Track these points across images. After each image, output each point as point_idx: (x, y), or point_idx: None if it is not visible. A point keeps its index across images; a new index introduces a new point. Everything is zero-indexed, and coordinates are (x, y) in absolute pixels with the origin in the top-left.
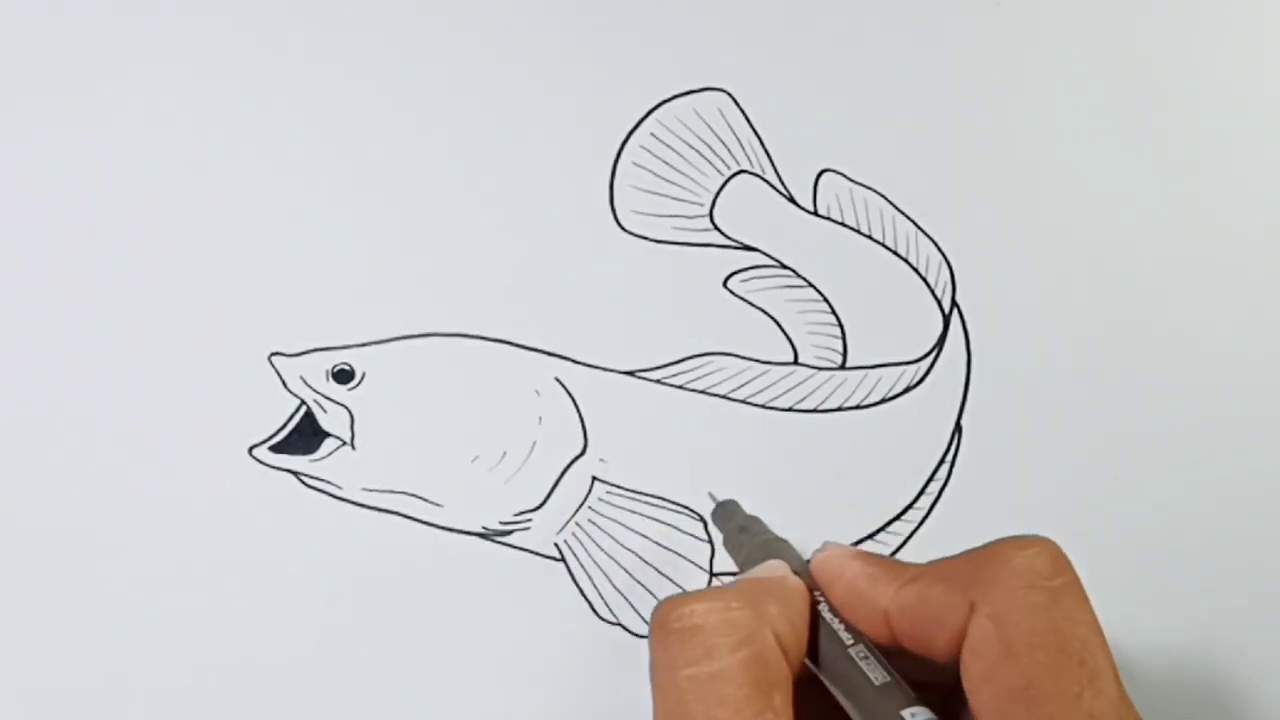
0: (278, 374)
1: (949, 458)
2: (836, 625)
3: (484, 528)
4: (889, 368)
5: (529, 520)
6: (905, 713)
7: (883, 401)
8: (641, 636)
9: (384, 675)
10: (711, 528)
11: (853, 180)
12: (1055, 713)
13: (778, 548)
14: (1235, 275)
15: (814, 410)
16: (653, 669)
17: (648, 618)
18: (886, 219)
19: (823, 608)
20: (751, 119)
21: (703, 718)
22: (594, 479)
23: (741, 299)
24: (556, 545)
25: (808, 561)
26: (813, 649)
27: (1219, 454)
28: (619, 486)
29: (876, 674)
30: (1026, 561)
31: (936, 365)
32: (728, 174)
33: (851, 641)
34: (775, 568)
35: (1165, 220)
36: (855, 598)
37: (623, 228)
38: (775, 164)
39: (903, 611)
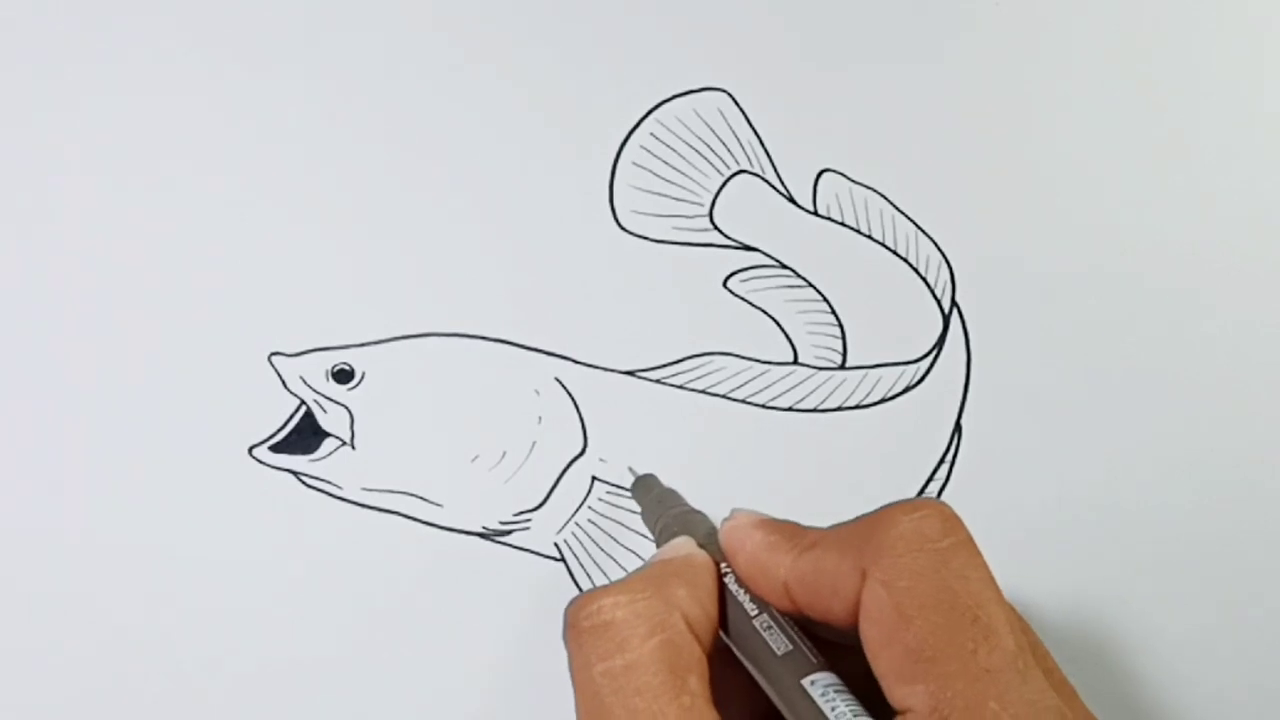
0: (278, 374)
1: (949, 458)
2: (742, 597)
3: (484, 527)
4: (889, 368)
5: (529, 520)
6: (805, 681)
7: (883, 401)
8: None
9: (384, 675)
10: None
11: (853, 180)
12: (951, 671)
13: (690, 521)
14: (1236, 275)
15: (814, 410)
16: (570, 667)
17: None
18: (886, 219)
19: (729, 579)
20: (751, 119)
21: (621, 709)
22: (594, 479)
23: (741, 299)
24: (556, 545)
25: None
26: (723, 621)
27: (1219, 454)
28: (619, 486)
29: (779, 643)
30: (914, 525)
31: (936, 365)
32: (728, 174)
33: (755, 612)
34: (681, 545)
35: (1166, 220)
36: (757, 568)
37: (623, 228)
38: (775, 164)
39: (799, 582)
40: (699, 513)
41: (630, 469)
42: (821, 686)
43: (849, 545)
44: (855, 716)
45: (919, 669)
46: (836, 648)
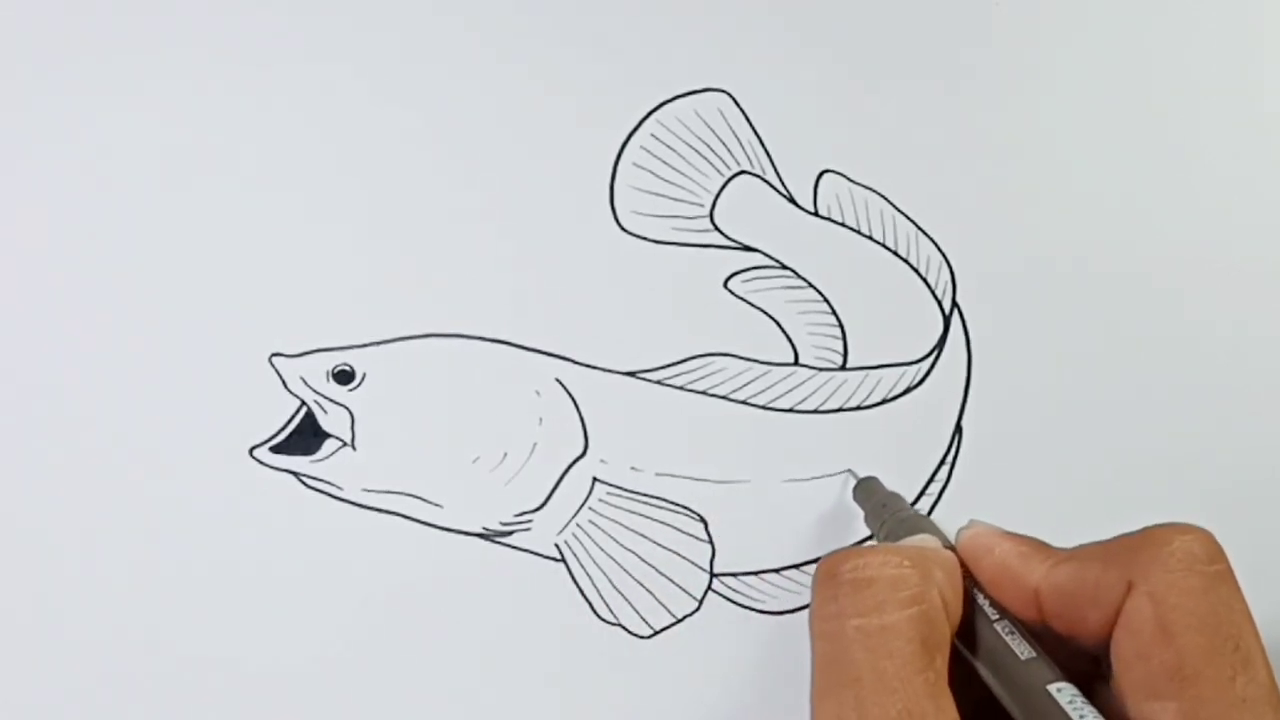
0: (278, 375)
1: (949, 458)
2: (982, 600)
3: (484, 528)
4: (889, 368)
5: (529, 521)
6: (1051, 687)
7: (883, 402)
8: (641, 637)
9: (384, 675)
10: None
11: (853, 181)
12: (1207, 694)
13: (922, 523)
14: (1237, 275)
15: (814, 411)
16: (815, 616)
17: (648, 618)
18: (887, 219)
19: (968, 583)
20: (752, 119)
21: (869, 667)
22: (594, 480)
23: (742, 299)
24: (557, 546)
25: (952, 540)
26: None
27: (1220, 453)
28: (619, 487)
29: (1022, 649)
30: (1185, 546)
31: (937, 366)
32: (728, 174)
33: (997, 616)
34: (923, 539)
35: (1166, 220)
36: (1004, 574)
37: (623, 228)
38: (775, 164)
39: (1055, 589)
40: (928, 518)
41: (851, 471)
42: (1069, 694)
43: (1114, 558)
44: None
45: (1174, 687)
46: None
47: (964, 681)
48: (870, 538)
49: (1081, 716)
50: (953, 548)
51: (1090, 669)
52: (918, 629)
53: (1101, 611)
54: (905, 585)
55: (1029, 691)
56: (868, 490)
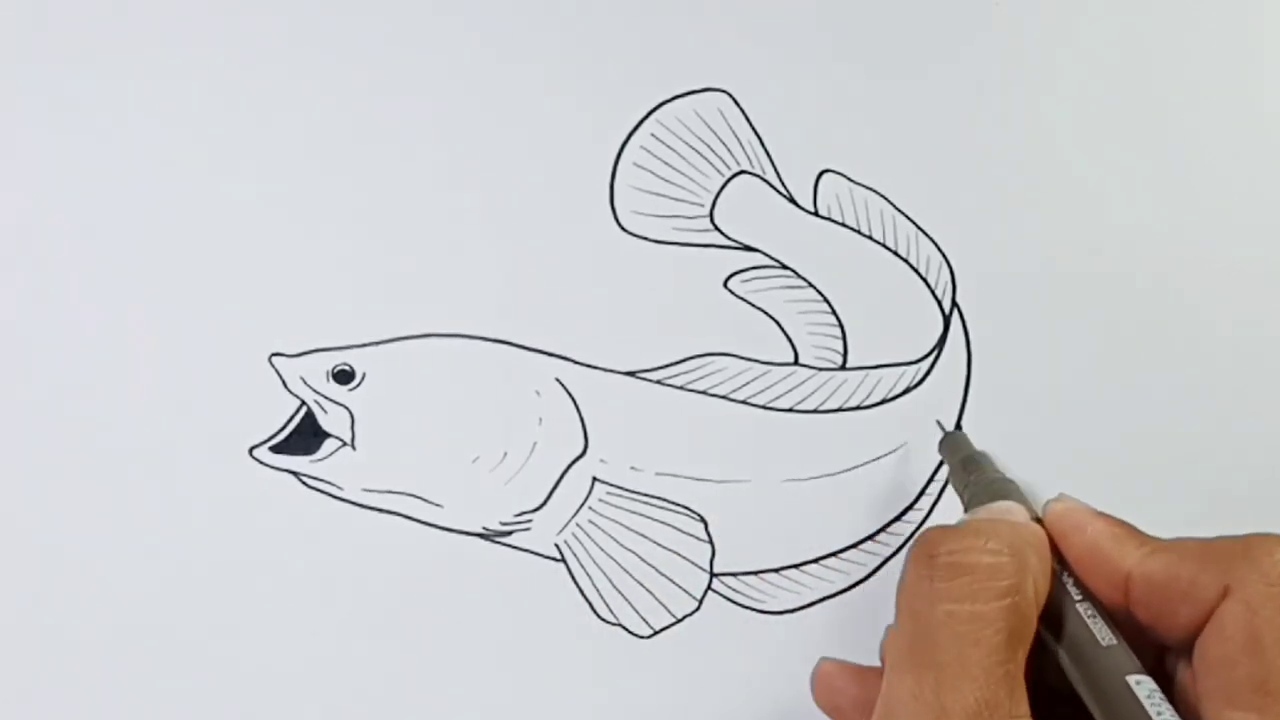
0: (278, 374)
1: None
2: (1066, 579)
3: (484, 528)
4: (889, 368)
5: (529, 521)
6: (1130, 679)
7: (884, 402)
8: (641, 637)
9: (384, 675)
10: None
11: (853, 180)
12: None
13: (1011, 490)
14: (1237, 275)
15: (814, 411)
16: (905, 593)
17: (648, 618)
18: (887, 219)
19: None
20: (752, 119)
21: (954, 653)
22: (594, 479)
23: (742, 299)
24: (557, 546)
25: (1039, 512)
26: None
27: (1220, 453)
28: (619, 487)
29: (1104, 634)
30: None
31: (937, 366)
32: (728, 174)
33: (1080, 597)
34: (1010, 509)
35: (1166, 220)
36: (1095, 555)
37: (623, 228)
38: (775, 164)
39: (1148, 577)
40: (1014, 483)
41: (939, 423)
42: (1148, 689)
43: (1213, 558)
44: None
45: (1257, 699)
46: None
47: (1037, 666)
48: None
49: (1159, 713)
50: (1040, 520)
51: (1159, 664)
52: (1008, 621)
53: (1193, 610)
54: (1002, 575)
55: (1107, 680)
56: (954, 445)
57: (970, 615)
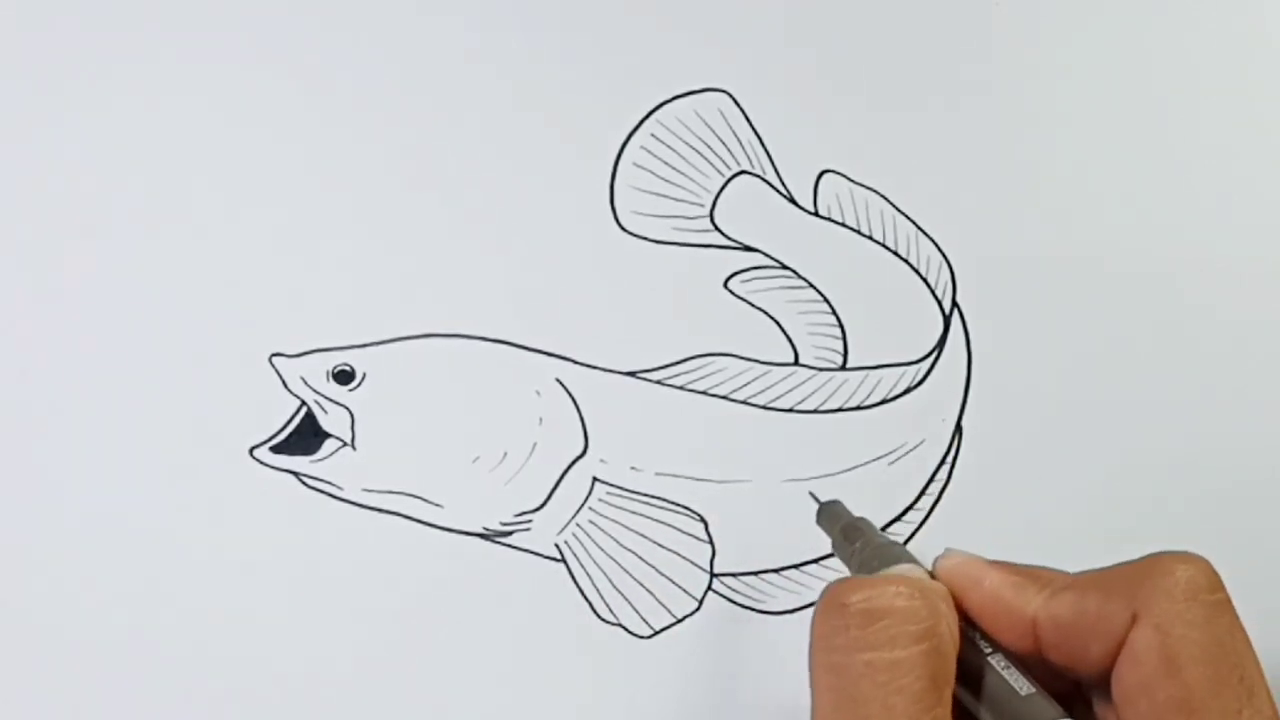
0: (278, 375)
1: (949, 458)
2: (974, 635)
3: (485, 528)
4: (889, 368)
5: (530, 521)
6: None
7: (884, 402)
8: (641, 637)
9: (384, 675)
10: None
11: (853, 181)
12: None
13: (899, 553)
14: (1237, 275)
15: (815, 411)
16: (819, 648)
17: (648, 618)
18: (887, 219)
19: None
20: (752, 119)
21: (879, 704)
22: (595, 480)
23: (742, 300)
24: (557, 546)
25: (931, 569)
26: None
27: (1220, 453)
28: (620, 487)
29: (1020, 684)
30: (1188, 575)
31: (937, 366)
32: (728, 174)
33: (990, 650)
34: (910, 570)
35: (1166, 220)
36: (996, 605)
37: (623, 228)
38: (776, 164)
39: (1054, 620)
40: (902, 545)
41: (812, 494)
42: None
43: (1116, 588)
44: None
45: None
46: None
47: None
48: None
49: None
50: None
51: (1078, 699)
52: (929, 665)
53: (1104, 643)
54: (916, 619)
55: None
56: (831, 515)
57: (890, 663)
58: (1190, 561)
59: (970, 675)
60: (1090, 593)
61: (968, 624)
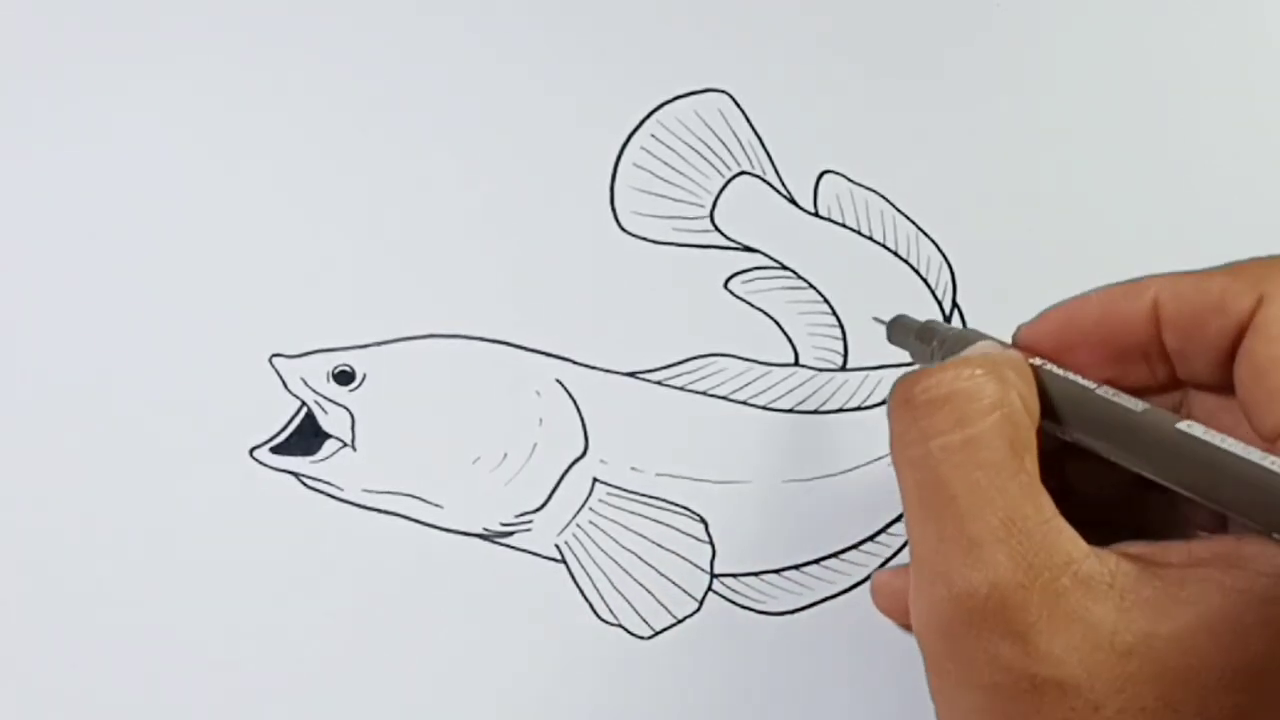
0: (279, 375)
1: None
2: (1073, 376)
3: (485, 529)
4: (890, 369)
5: (530, 521)
6: (1180, 426)
7: (883, 403)
8: (641, 638)
9: (384, 676)
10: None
11: (853, 181)
12: None
13: (974, 335)
14: None
15: (815, 411)
16: (897, 445)
17: (648, 619)
18: (887, 220)
19: (1049, 367)
20: (752, 120)
21: (961, 483)
22: (595, 480)
23: (742, 300)
24: (557, 546)
25: (1012, 343)
26: (1050, 411)
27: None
28: (620, 488)
29: (1133, 404)
30: None
31: None
32: (728, 175)
33: (1095, 386)
34: (984, 348)
35: (1167, 220)
36: (1112, 305)
37: (623, 229)
38: (776, 165)
39: (1176, 295)
40: (977, 330)
41: (877, 319)
42: (1200, 428)
43: (1242, 273)
44: (1246, 449)
45: None
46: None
47: (1062, 476)
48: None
49: (1221, 443)
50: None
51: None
52: (1003, 434)
53: (1227, 322)
54: (981, 394)
55: (1157, 437)
56: (903, 327)
57: (964, 442)
58: None
59: (1084, 413)
60: (1214, 276)
61: (1065, 370)
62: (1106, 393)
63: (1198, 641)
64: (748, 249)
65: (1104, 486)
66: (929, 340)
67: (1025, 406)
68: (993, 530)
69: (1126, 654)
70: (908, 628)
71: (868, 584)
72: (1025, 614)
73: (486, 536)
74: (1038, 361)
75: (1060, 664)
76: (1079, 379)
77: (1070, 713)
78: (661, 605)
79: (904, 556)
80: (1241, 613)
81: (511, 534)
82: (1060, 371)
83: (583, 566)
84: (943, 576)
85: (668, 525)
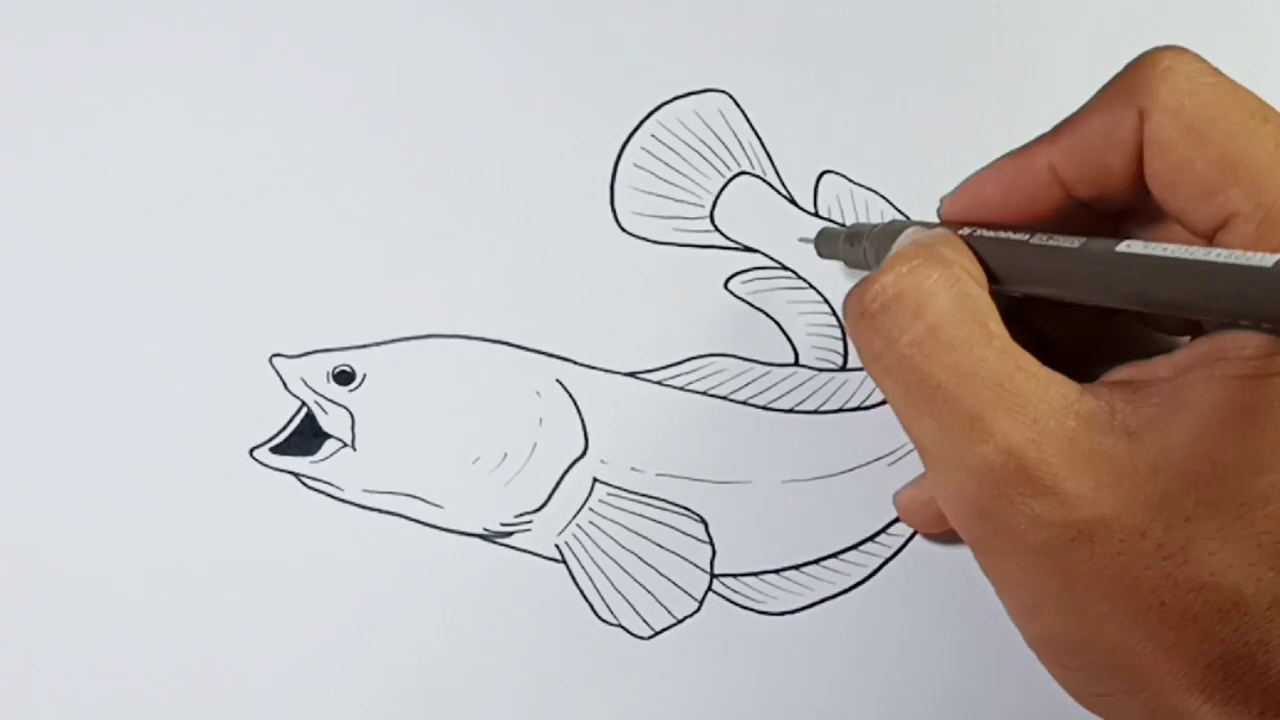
0: (279, 375)
1: None
2: (1004, 234)
3: (485, 529)
4: None
5: (530, 522)
6: (1119, 246)
7: (883, 402)
8: (641, 638)
9: (384, 676)
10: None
11: (854, 182)
12: (1261, 167)
13: (898, 226)
14: None
15: (815, 411)
16: (867, 358)
17: (648, 619)
18: (887, 219)
19: (980, 233)
20: (752, 120)
21: (941, 370)
22: (595, 480)
23: (742, 300)
24: (557, 547)
25: (938, 212)
26: (994, 274)
27: None
28: (620, 488)
29: (1068, 242)
30: (1175, 58)
31: None
32: (728, 175)
33: (1026, 236)
34: (916, 233)
35: None
36: (1010, 181)
37: (623, 229)
38: (776, 165)
39: (1067, 155)
40: (901, 220)
41: (801, 239)
42: (1140, 244)
43: (1115, 98)
44: (1189, 249)
45: (1227, 175)
46: None
47: (1025, 334)
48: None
49: (1164, 251)
50: (942, 223)
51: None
52: (961, 309)
53: (1122, 151)
54: (927, 280)
55: (1102, 265)
56: (829, 237)
57: (928, 330)
58: (1170, 49)
59: (1023, 265)
60: (1090, 116)
61: (992, 230)
62: (1041, 239)
63: (1212, 437)
64: (748, 249)
65: (1075, 328)
66: (858, 244)
67: (972, 276)
68: (986, 401)
69: (1151, 473)
70: (939, 535)
71: (868, 584)
72: (1046, 468)
73: (486, 537)
74: (967, 231)
75: (1095, 503)
76: (1011, 234)
77: (1120, 545)
78: (661, 605)
79: (904, 555)
80: (1242, 396)
81: (511, 534)
82: (991, 233)
83: (582, 566)
84: (957, 462)
85: (668, 525)
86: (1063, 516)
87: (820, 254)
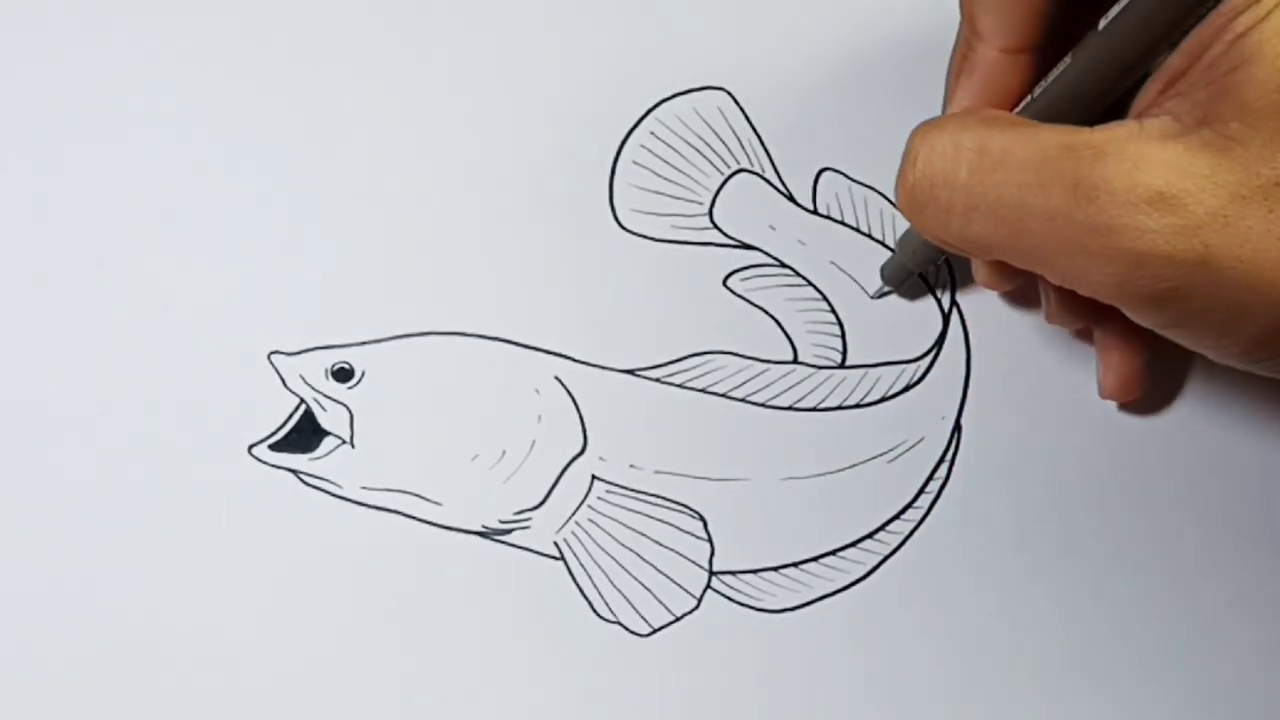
0: (277, 372)
1: (949, 457)
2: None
3: (483, 526)
4: (888, 366)
5: (529, 519)
6: (1099, 29)
7: (883, 400)
8: (639, 635)
9: (383, 675)
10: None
11: (852, 179)
12: None
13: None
14: None
15: (814, 409)
16: (946, 223)
17: (647, 616)
18: (886, 218)
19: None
20: (751, 118)
21: (1016, 171)
22: (594, 477)
23: (741, 298)
24: (556, 544)
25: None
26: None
27: (1220, 454)
28: (619, 485)
29: (1060, 66)
30: None
31: (936, 364)
32: (727, 173)
33: (1029, 97)
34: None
35: None
36: (980, 88)
37: (622, 226)
38: (775, 162)
39: (995, 17)
40: None
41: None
42: (1110, 13)
43: None
44: None
45: None
46: None
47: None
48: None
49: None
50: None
51: None
52: (984, 125)
53: None
54: (941, 130)
55: (1098, 54)
56: (895, 270)
57: (975, 160)
58: None
59: (1058, 108)
60: None
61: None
62: (1044, 84)
63: (1269, 75)
64: (747, 246)
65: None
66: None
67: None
68: (1073, 172)
69: (1251, 132)
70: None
71: (866, 581)
72: (1174, 187)
73: (485, 534)
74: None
75: (1271, 161)
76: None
77: None
78: (660, 602)
79: (903, 555)
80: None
81: (510, 531)
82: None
83: (581, 564)
84: (1092, 242)
85: (666, 523)
86: (1248, 181)
87: (889, 285)
